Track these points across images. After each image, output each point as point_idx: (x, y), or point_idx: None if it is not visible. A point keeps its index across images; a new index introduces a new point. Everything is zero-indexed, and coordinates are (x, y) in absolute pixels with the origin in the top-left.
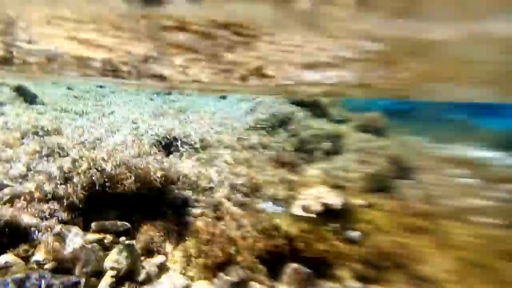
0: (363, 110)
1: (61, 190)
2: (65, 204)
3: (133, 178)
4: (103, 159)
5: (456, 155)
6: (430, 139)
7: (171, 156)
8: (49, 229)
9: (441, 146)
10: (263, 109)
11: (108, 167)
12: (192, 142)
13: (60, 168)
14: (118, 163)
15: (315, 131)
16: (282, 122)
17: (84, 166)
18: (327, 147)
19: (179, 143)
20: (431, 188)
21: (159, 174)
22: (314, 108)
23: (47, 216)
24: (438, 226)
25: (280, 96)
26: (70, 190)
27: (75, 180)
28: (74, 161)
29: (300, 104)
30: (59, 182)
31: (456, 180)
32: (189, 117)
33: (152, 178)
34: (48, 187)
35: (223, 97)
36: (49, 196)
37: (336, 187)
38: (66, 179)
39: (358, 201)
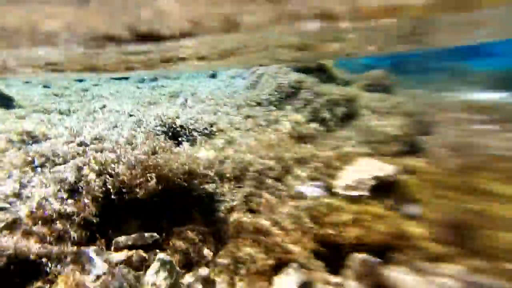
0: (353, 71)
1: (68, 205)
2: (76, 221)
3: (154, 179)
4: (114, 161)
5: (467, 101)
6: (433, 89)
7: (184, 146)
8: (63, 256)
9: (447, 94)
10: (266, 81)
11: (122, 170)
12: (202, 128)
13: (63, 178)
14: (133, 163)
15: (328, 97)
16: (291, 93)
17: (92, 173)
18: (344, 112)
19: (187, 131)
20: (461, 141)
21: (182, 170)
22: (320, 73)
23: (58, 240)
24: (495, 184)
25: (280, 64)
26: (79, 204)
27: (83, 191)
28: (78, 168)
29: (305, 70)
30: (64, 196)
31: (480, 127)
32: (187, 101)
33: (176, 177)
34: (51, 204)
35: (213, 76)
36: (55, 215)
37: (370, 155)
38: (72, 191)
39: (398, 167)
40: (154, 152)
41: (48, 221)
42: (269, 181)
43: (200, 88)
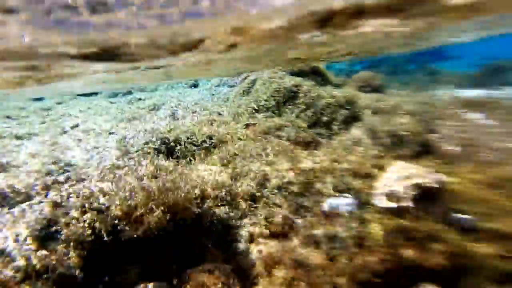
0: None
1: (40, 259)
2: (51, 280)
3: (160, 209)
4: (103, 192)
5: (459, 98)
6: (419, 89)
7: (183, 163)
8: None
9: (436, 92)
10: (260, 87)
11: (116, 202)
12: (200, 141)
13: (32, 221)
14: (130, 192)
15: (328, 100)
16: (290, 97)
17: (74, 210)
18: (347, 114)
19: (183, 146)
20: (470, 140)
21: (192, 194)
22: (316, 76)
23: None
24: None
25: (274, 69)
26: (56, 255)
27: (62, 236)
28: (53, 204)
29: (301, 74)
30: (33, 247)
31: (482, 123)
32: (177, 112)
33: (187, 203)
34: (16, 261)
35: (195, 86)
36: (21, 274)
37: (395, 158)
38: (45, 238)
39: (437, 173)
40: (154, 176)
41: (11, 286)
42: (292, 197)
43: (186, 98)
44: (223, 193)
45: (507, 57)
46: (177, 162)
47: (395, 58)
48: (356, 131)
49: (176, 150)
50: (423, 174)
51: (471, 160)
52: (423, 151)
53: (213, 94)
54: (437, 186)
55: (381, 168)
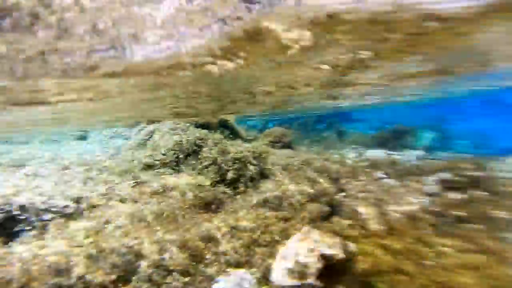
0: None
1: None
2: None
3: None
4: None
5: (362, 157)
6: (329, 147)
7: (18, 240)
8: None
9: (343, 152)
10: (160, 139)
11: None
12: (61, 206)
13: None
14: None
15: (236, 155)
16: (192, 151)
17: None
18: (255, 170)
19: (32, 214)
20: (378, 200)
21: None
22: (224, 129)
23: None
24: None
25: (178, 121)
26: None
27: None
28: None
29: (207, 126)
30: None
31: (386, 181)
32: (38, 169)
33: None
34: None
35: (83, 138)
36: None
37: (299, 223)
38: None
39: (341, 239)
40: None
41: None
42: (172, 279)
43: (64, 153)
44: (72, 279)
45: (404, 123)
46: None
47: (306, 118)
48: (263, 190)
49: (21, 220)
50: (330, 242)
51: (380, 223)
52: (331, 212)
53: (104, 147)
54: (345, 256)
55: (285, 234)
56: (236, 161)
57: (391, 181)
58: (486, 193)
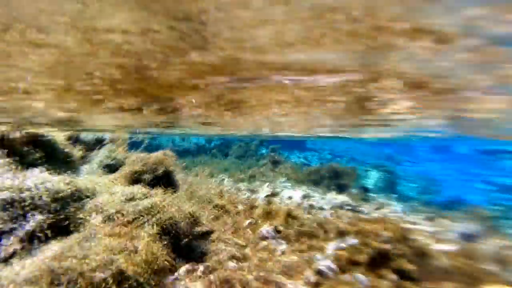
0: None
1: None
2: None
3: None
4: None
5: (266, 202)
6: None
7: None
8: None
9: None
10: None
11: None
12: None
13: None
14: None
15: (34, 193)
16: None
17: None
18: (51, 219)
19: None
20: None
21: None
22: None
23: None
24: None
25: None
26: None
27: None
28: None
29: None
30: None
31: (267, 245)
32: None
33: None
34: None
35: None
36: None
37: None
38: None
39: None
40: None
41: None
42: None
43: None
44: None
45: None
46: None
47: (248, 141)
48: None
49: None
50: None
51: None
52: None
53: None
54: None
55: None
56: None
57: (277, 244)
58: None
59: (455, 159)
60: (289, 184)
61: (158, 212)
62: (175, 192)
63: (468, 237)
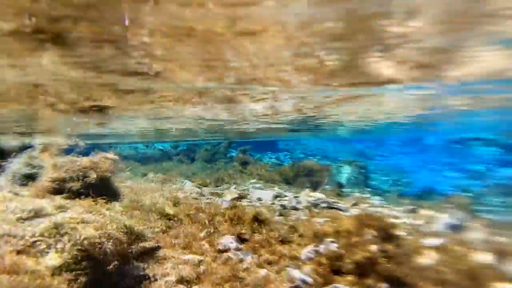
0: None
1: None
2: None
3: None
4: None
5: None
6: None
7: None
8: None
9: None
10: None
11: None
12: None
13: None
14: None
15: None
16: None
17: None
18: None
19: None
20: None
21: None
22: None
23: None
24: None
25: None
26: None
27: None
28: None
29: None
30: None
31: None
32: None
33: None
34: None
35: None
36: None
37: None
38: None
39: None
40: None
41: None
42: None
43: None
44: None
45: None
46: None
47: (215, 144)
48: None
49: None
50: None
51: None
52: None
53: None
54: None
55: None
56: None
57: (240, 256)
58: None
59: (424, 151)
60: (260, 185)
61: (72, 231)
62: (112, 201)
63: (455, 228)
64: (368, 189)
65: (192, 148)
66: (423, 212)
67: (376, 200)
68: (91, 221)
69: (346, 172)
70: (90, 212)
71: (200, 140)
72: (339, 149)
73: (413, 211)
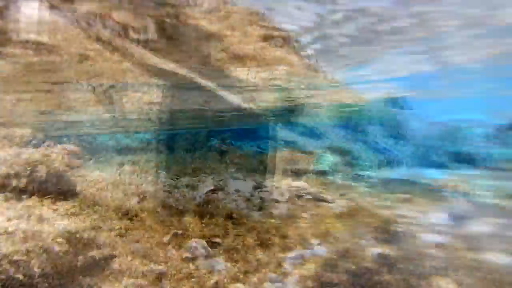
0: None
1: None
2: None
3: None
4: None
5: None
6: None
7: None
8: None
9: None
10: None
11: None
12: None
13: None
14: None
15: None
16: None
17: None
18: None
19: None
20: None
21: None
22: None
23: None
24: None
25: None
26: None
27: None
28: None
29: None
30: None
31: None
32: None
33: None
34: None
35: None
36: None
37: None
38: None
39: None
40: None
41: None
42: None
43: None
44: None
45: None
46: None
47: (195, 133)
48: None
49: None
50: None
51: None
52: None
53: None
54: None
55: None
56: None
57: (210, 265)
58: None
59: (409, 135)
60: (239, 175)
61: None
62: (62, 200)
63: (458, 219)
64: (353, 175)
65: (171, 137)
66: (418, 201)
67: (364, 188)
68: (19, 231)
69: (329, 160)
70: (24, 217)
71: (180, 129)
72: (321, 135)
73: (407, 200)
